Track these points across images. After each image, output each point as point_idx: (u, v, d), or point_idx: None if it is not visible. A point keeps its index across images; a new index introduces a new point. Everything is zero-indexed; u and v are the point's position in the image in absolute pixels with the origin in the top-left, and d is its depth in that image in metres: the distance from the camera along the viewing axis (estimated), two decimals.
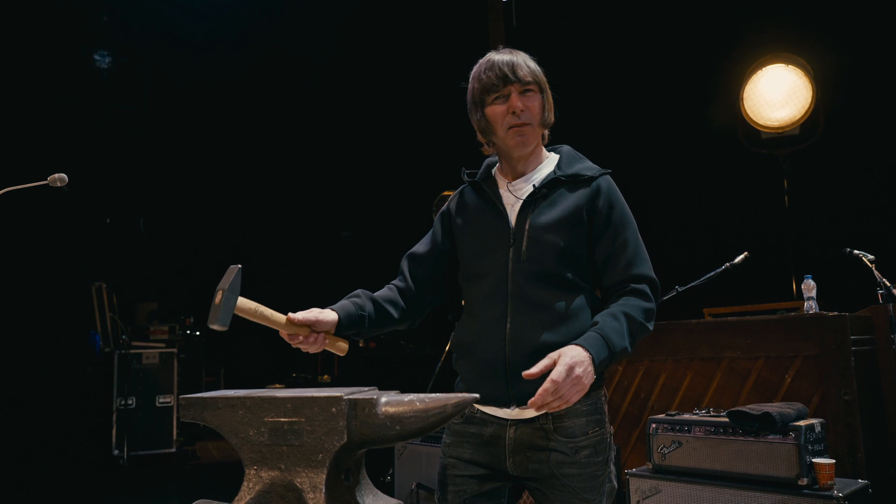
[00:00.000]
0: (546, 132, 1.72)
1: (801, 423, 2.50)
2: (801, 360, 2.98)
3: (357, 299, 1.66)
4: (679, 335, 3.35)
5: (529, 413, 1.55)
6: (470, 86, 1.69)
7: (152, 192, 8.21)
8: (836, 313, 2.95)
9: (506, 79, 1.60)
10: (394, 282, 1.77)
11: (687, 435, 2.73)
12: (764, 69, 5.03)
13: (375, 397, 1.15)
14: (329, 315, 1.56)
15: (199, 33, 7.28)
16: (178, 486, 6.05)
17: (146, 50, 7.48)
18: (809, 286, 3.22)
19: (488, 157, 1.80)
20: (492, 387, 1.58)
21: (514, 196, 1.66)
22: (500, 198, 1.66)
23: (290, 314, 1.50)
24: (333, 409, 1.14)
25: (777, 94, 4.99)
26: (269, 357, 9.96)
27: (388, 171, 7.91)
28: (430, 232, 1.80)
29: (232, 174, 8.49)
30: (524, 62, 1.63)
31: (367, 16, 7.19)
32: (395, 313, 1.69)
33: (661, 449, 2.79)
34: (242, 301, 1.41)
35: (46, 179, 2.52)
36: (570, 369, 1.36)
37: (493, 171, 1.75)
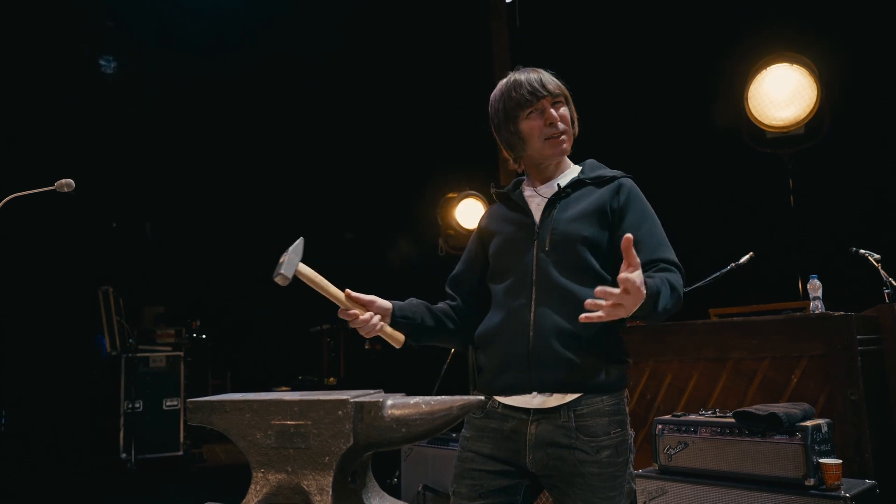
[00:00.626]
0: None
1: (808, 423, 2.50)
2: (807, 360, 2.97)
3: (412, 300, 1.74)
4: (684, 336, 3.34)
5: (550, 403, 1.58)
6: (497, 105, 1.75)
7: (158, 195, 8.24)
8: (842, 313, 2.94)
9: (537, 93, 1.68)
10: (445, 301, 1.84)
11: (693, 436, 2.72)
12: (768, 68, 5.01)
13: (381, 400, 1.16)
14: (384, 302, 1.64)
15: (202, 37, 7.31)
16: (185, 489, 6.07)
17: (150, 54, 7.51)
18: (815, 286, 3.21)
19: (517, 174, 1.87)
20: (514, 374, 1.61)
21: (539, 196, 1.74)
22: (525, 201, 1.75)
23: (348, 290, 1.57)
24: (340, 412, 1.15)
25: (781, 94, 4.97)
26: (275, 360, 9.99)
27: (392, 173, 7.92)
28: (466, 251, 1.88)
29: (237, 177, 8.52)
30: (550, 77, 1.72)
31: (370, 18, 7.20)
32: (449, 324, 1.77)
33: (668, 450, 2.79)
34: (304, 266, 1.50)
35: (54, 185, 2.54)
36: (638, 290, 1.33)
37: (522, 184, 1.83)
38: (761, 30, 5.15)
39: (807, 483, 2.42)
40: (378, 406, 1.15)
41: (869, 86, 4.84)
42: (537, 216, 1.70)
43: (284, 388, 8.56)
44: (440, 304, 1.81)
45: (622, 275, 1.33)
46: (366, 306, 1.59)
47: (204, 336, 8.32)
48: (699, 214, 5.46)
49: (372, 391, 1.28)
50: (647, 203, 1.71)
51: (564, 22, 6.21)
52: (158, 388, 6.97)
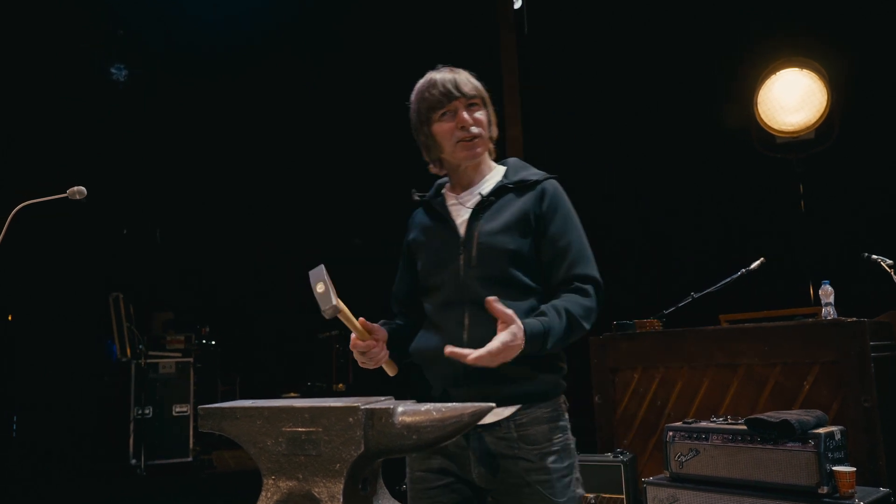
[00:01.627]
0: (492, 147, 1.74)
1: (821, 430, 2.48)
2: (820, 366, 2.95)
3: (390, 325, 1.72)
4: (695, 342, 3.32)
5: (490, 418, 1.54)
6: (413, 106, 1.70)
7: (168, 202, 8.29)
8: (854, 319, 2.91)
9: (450, 94, 1.62)
10: (396, 320, 1.81)
11: (704, 443, 2.70)
12: (778, 73, 5.01)
13: (392, 407, 1.15)
14: (382, 329, 1.63)
15: (211, 44, 7.36)
16: (194, 495, 6.07)
17: (161, 62, 7.57)
18: (827, 292, 3.18)
19: (440, 177, 1.81)
20: (452, 394, 1.60)
21: (462, 207, 1.68)
22: (448, 211, 1.69)
23: (362, 318, 1.57)
24: (350, 419, 1.15)
25: (791, 99, 4.96)
26: (283, 366, 10.00)
27: (400, 178, 7.92)
28: (399, 265, 1.84)
29: (246, 183, 8.56)
30: (466, 78, 1.67)
31: (380, 24, 7.24)
32: (409, 341, 1.74)
33: (679, 457, 2.77)
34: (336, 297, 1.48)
35: (66, 192, 2.56)
36: (505, 350, 1.40)
37: (443, 189, 1.77)
38: (772, 35, 5.14)
39: (820, 491, 2.40)
40: (389, 413, 1.14)
41: (879, 90, 4.81)
42: (462, 229, 1.65)
43: (293, 395, 8.57)
44: (398, 321, 1.78)
45: (490, 346, 1.39)
46: (373, 332, 1.59)
47: (213, 342, 8.33)
48: (709, 220, 5.44)
49: (382, 398, 1.27)
50: (570, 208, 1.67)
51: (572, 28, 6.21)
52: (168, 394, 6.98)
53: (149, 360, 6.93)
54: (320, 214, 8.82)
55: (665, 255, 5.40)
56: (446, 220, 1.68)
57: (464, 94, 1.63)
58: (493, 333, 1.52)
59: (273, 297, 9.11)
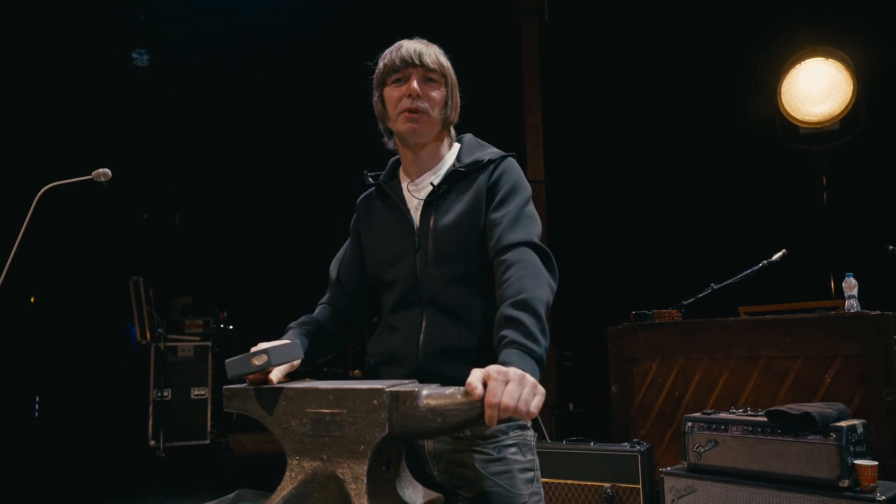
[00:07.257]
0: (451, 130, 1.63)
1: (843, 423, 2.45)
2: (842, 359, 2.92)
3: (293, 335, 1.60)
4: (715, 333, 3.30)
5: None
6: (376, 68, 1.61)
7: (188, 188, 8.35)
8: (878, 312, 2.88)
9: (409, 61, 1.53)
10: (325, 301, 1.69)
11: (724, 434, 2.69)
12: (803, 63, 4.92)
13: (417, 390, 1.16)
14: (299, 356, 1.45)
15: (234, 33, 7.37)
16: (212, 477, 6.15)
17: (183, 49, 7.60)
18: (851, 284, 3.15)
19: (393, 156, 1.71)
20: None
21: (415, 197, 1.58)
22: (403, 200, 1.58)
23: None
24: (375, 401, 1.15)
25: (816, 89, 4.88)
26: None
27: None
28: (346, 247, 1.71)
29: (266, 171, 8.60)
30: (434, 52, 1.57)
31: (396, 12, 7.21)
32: (329, 339, 1.64)
33: (697, 448, 2.76)
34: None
35: (90, 174, 2.58)
36: (519, 379, 1.12)
37: (399, 170, 1.66)
38: (797, 23, 5.06)
39: (841, 484, 2.38)
40: (413, 395, 1.15)
41: None
42: (416, 220, 1.54)
43: (308, 380, 8.64)
44: (320, 315, 1.65)
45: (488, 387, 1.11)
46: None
47: (231, 327, 8.43)
48: (731, 211, 5.38)
49: (406, 381, 1.28)
50: (520, 181, 1.54)
51: (594, 16, 6.15)
52: (186, 378, 7.08)
53: (168, 344, 7.02)
54: (341, 202, 8.83)
55: (686, 246, 5.38)
56: (400, 209, 1.57)
57: (423, 65, 1.53)
58: (452, 337, 1.46)
59: (290, 283, 9.17)
